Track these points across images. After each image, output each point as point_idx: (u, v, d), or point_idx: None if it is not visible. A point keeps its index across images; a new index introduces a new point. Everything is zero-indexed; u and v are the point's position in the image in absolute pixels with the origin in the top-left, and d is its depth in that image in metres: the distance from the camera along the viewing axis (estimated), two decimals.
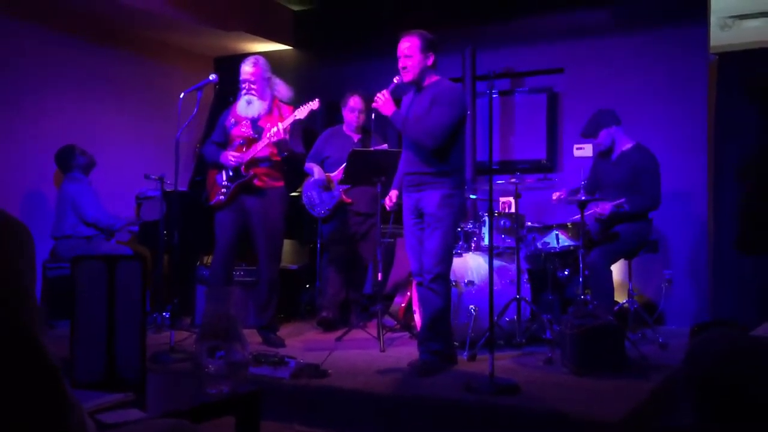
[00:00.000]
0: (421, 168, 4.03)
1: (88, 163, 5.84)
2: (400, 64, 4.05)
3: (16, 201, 5.74)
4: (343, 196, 5.40)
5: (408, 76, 4.04)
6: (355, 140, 5.51)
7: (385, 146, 5.32)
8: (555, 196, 5.05)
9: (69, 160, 5.78)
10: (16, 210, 5.67)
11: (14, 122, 5.95)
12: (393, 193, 4.49)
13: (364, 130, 5.59)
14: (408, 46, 4.02)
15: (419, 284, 4.16)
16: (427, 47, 4.03)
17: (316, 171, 5.45)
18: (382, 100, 4.01)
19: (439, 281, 3.98)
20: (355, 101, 5.50)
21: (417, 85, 4.11)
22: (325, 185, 5.41)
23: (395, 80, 4.08)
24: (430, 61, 4.05)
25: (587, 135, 5.09)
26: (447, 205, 3.97)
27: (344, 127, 5.60)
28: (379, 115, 4.20)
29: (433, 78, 4.10)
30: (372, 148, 5.08)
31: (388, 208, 4.50)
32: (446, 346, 4.09)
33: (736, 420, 1.07)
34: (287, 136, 4.61)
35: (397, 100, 4.15)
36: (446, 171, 4.00)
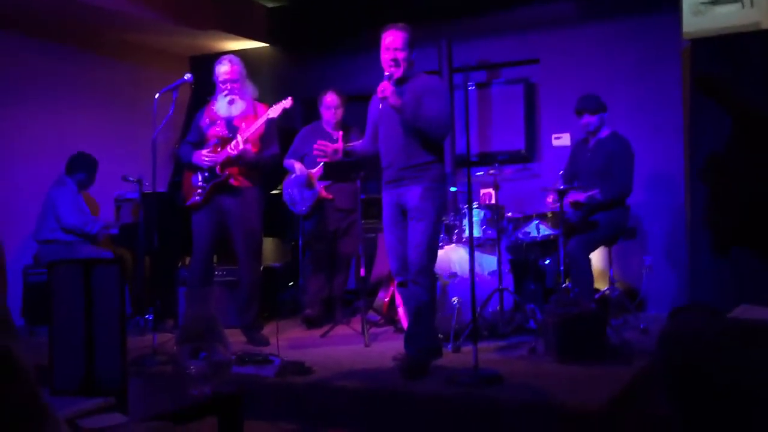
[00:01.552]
0: (403, 161, 3.93)
1: (85, 182, 5.83)
2: (390, 57, 3.92)
3: None
4: (323, 192, 5.39)
5: (399, 71, 3.92)
6: (335, 137, 5.49)
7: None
8: (550, 199, 5.00)
9: (73, 168, 5.77)
10: None
11: None
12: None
13: (344, 125, 5.57)
14: (398, 40, 3.93)
15: (400, 284, 4.09)
16: (413, 41, 3.98)
17: (298, 168, 5.42)
18: (390, 90, 3.82)
19: (424, 274, 3.90)
20: (331, 98, 5.48)
21: (400, 78, 3.99)
22: (307, 183, 5.39)
23: (387, 73, 3.92)
24: (413, 55, 4.00)
25: (588, 109, 4.97)
26: (429, 198, 3.89)
27: (323, 124, 5.59)
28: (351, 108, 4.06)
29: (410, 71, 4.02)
30: (350, 144, 5.03)
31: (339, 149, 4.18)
32: (432, 341, 4.03)
33: (708, 406, 1.07)
34: (249, 147, 4.60)
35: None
36: (427, 164, 3.92)
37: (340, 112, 5.50)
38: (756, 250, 0.97)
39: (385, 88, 3.83)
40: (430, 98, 3.90)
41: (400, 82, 3.99)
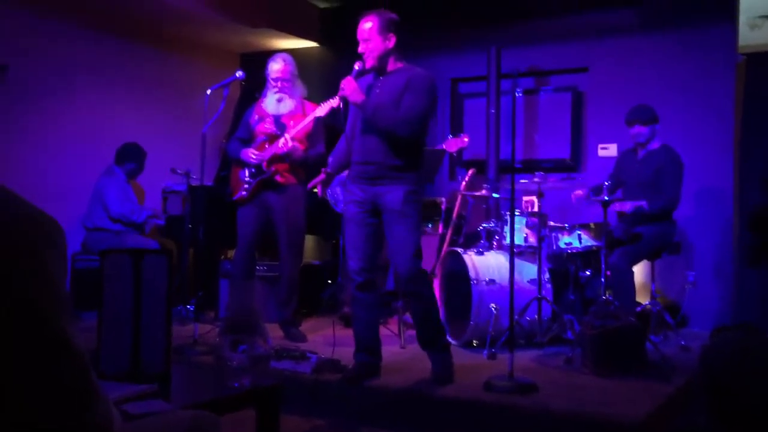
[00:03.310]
0: (384, 159, 3.63)
1: (135, 172, 5.98)
2: (359, 49, 3.69)
3: (48, 192, 5.83)
4: None
5: (369, 62, 3.68)
6: None
7: None
8: (575, 195, 4.97)
9: (123, 158, 5.91)
10: (48, 201, 5.79)
11: (47, 116, 6.07)
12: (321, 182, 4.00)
13: None
14: (366, 29, 3.66)
15: (360, 286, 3.76)
16: (386, 28, 3.65)
17: None
18: (351, 87, 3.60)
19: (417, 281, 3.68)
20: None
21: (379, 70, 3.73)
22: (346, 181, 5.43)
23: (356, 66, 3.68)
24: (390, 43, 3.66)
25: (639, 120, 4.92)
26: (412, 201, 3.64)
27: None
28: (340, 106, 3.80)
29: (398, 64, 3.74)
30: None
31: (319, 194, 4.06)
32: (443, 336, 3.87)
33: (746, 423, 1.08)
34: (296, 144, 4.65)
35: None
36: (411, 165, 3.66)
37: None
38: None
39: (345, 85, 3.62)
40: (408, 95, 3.60)
41: (379, 74, 3.75)
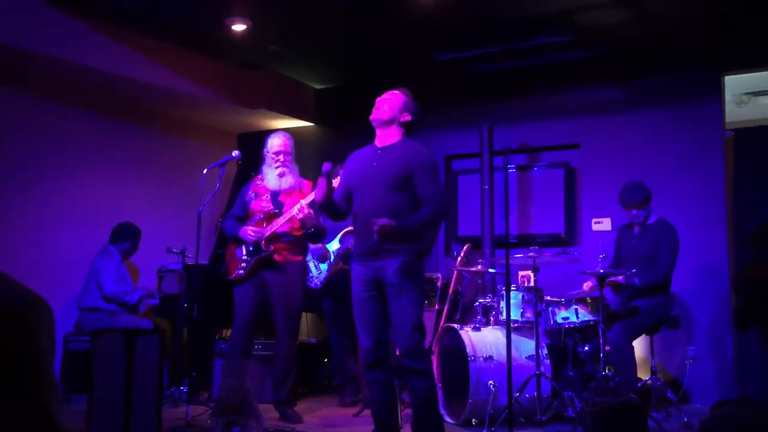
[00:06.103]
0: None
1: (129, 251, 6.00)
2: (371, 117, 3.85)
3: (42, 272, 5.81)
4: (340, 263, 5.37)
5: (374, 114, 3.85)
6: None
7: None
8: (586, 286, 5.03)
9: (118, 237, 5.94)
10: (41, 280, 5.76)
11: (42, 196, 6.10)
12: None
13: None
14: (387, 98, 3.86)
15: (368, 366, 3.68)
16: (407, 106, 3.82)
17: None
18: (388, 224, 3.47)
19: (421, 356, 3.56)
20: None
21: (380, 132, 3.84)
22: (322, 255, 5.41)
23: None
24: (403, 119, 3.80)
25: (635, 204, 4.99)
26: (410, 273, 3.56)
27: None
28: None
29: (398, 137, 3.80)
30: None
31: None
32: (442, 428, 3.62)
33: None
34: (311, 211, 4.61)
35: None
36: (408, 236, 3.60)
37: None
38: None
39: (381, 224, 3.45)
40: (421, 179, 3.66)
41: (378, 142, 3.85)
